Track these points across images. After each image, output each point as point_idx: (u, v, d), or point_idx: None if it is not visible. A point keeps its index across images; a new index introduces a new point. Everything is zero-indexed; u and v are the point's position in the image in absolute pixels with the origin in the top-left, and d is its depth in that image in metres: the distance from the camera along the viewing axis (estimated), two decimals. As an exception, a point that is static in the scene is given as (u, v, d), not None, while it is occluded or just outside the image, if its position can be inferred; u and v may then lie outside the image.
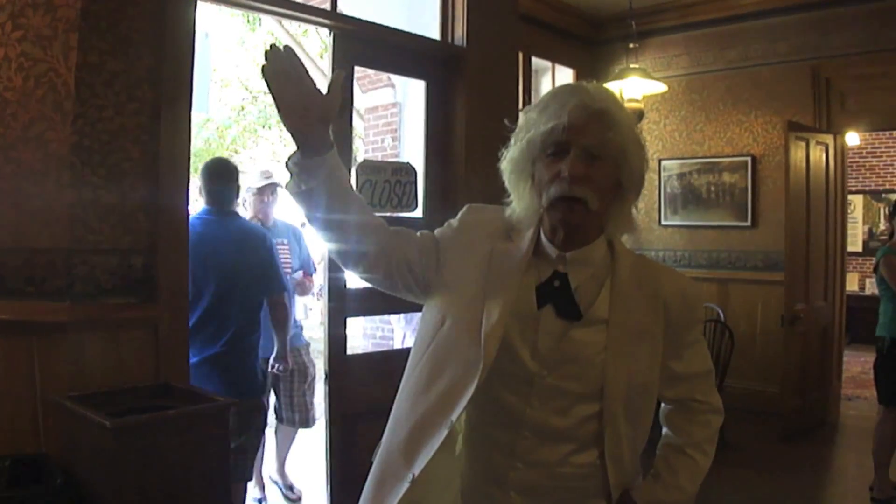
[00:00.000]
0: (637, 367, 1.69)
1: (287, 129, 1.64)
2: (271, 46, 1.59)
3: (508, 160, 1.73)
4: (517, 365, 1.67)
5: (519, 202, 1.73)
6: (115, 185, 3.22)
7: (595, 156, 1.61)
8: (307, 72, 1.59)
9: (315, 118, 1.62)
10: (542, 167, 1.66)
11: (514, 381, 1.68)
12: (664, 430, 1.92)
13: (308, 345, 5.29)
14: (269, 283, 4.18)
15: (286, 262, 5.04)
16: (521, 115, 1.73)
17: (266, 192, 5.00)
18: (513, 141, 1.73)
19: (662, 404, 1.91)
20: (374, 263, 1.77)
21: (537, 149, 1.66)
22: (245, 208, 5.00)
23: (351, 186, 1.79)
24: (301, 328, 5.23)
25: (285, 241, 5.12)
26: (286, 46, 1.59)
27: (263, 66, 1.58)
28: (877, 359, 5.14)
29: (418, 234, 1.85)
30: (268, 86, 1.59)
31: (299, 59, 1.60)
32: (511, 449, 1.70)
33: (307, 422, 5.14)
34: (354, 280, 3.98)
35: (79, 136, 3.11)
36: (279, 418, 5.17)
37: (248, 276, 4.00)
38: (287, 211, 5.75)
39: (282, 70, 1.59)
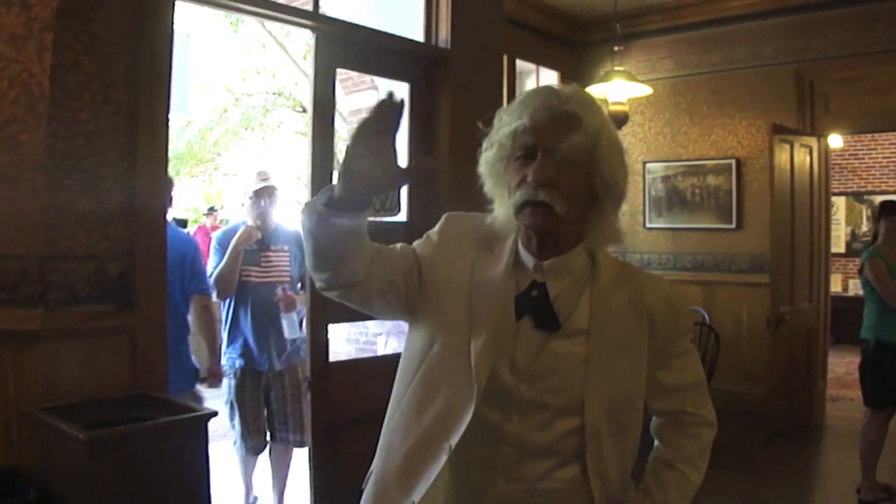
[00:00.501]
0: (620, 380, 1.63)
1: (343, 184, 1.45)
2: (389, 95, 1.40)
3: (484, 163, 1.68)
4: (495, 379, 1.60)
5: (499, 207, 1.67)
6: (91, 189, 3.14)
7: (565, 160, 1.54)
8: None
9: (380, 187, 1.51)
10: (511, 171, 1.61)
11: (492, 396, 1.59)
12: (655, 442, 1.86)
13: (303, 358, 4.73)
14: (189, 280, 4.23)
15: (285, 272, 4.78)
16: (496, 117, 1.67)
17: (263, 195, 4.72)
18: (486, 143, 1.67)
19: (653, 417, 1.85)
20: (364, 289, 1.66)
21: (506, 151, 1.61)
22: (247, 213, 4.77)
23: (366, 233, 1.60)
24: (302, 340, 4.67)
25: (286, 248, 4.79)
26: (402, 100, 1.41)
27: (367, 120, 1.41)
28: (862, 361, 5.12)
29: (398, 249, 1.75)
30: (355, 142, 1.42)
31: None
32: (491, 464, 1.62)
33: (304, 442, 4.60)
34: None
35: (53, 139, 3.03)
36: (273, 438, 4.78)
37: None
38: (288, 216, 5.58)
39: (385, 131, 1.43)
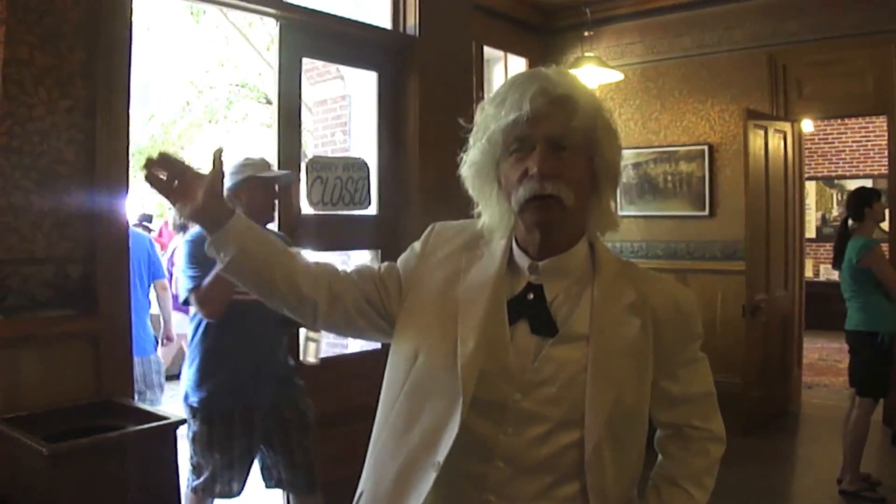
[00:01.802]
0: (623, 388, 1.49)
1: (185, 218, 1.61)
2: (147, 160, 1.56)
3: (469, 165, 1.55)
4: (487, 388, 1.48)
5: (488, 211, 1.56)
6: (49, 189, 3.03)
7: (562, 147, 1.45)
8: (184, 162, 1.58)
9: (207, 197, 1.55)
10: (507, 167, 1.50)
11: (485, 407, 1.47)
12: (659, 457, 1.74)
13: (301, 387, 3.74)
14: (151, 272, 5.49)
15: None
16: (477, 111, 1.56)
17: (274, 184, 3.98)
18: (471, 142, 1.56)
19: (657, 430, 1.73)
20: (329, 311, 1.62)
21: (500, 147, 1.49)
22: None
23: (275, 239, 1.67)
24: (294, 369, 3.78)
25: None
26: (160, 153, 1.59)
27: (145, 175, 1.55)
28: (871, 354, 4.95)
29: (379, 267, 1.69)
30: (153, 187, 1.57)
31: (174, 158, 1.59)
32: (483, 481, 1.49)
33: (312, 484, 3.72)
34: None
35: (8, 137, 2.92)
36: (278, 482, 3.73)
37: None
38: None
39: (160, 172, 1.56)
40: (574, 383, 1.48)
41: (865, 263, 4.86)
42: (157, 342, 5.85)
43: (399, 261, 1.69)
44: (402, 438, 1.54)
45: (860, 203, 5.08)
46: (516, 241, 1.58)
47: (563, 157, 1.45)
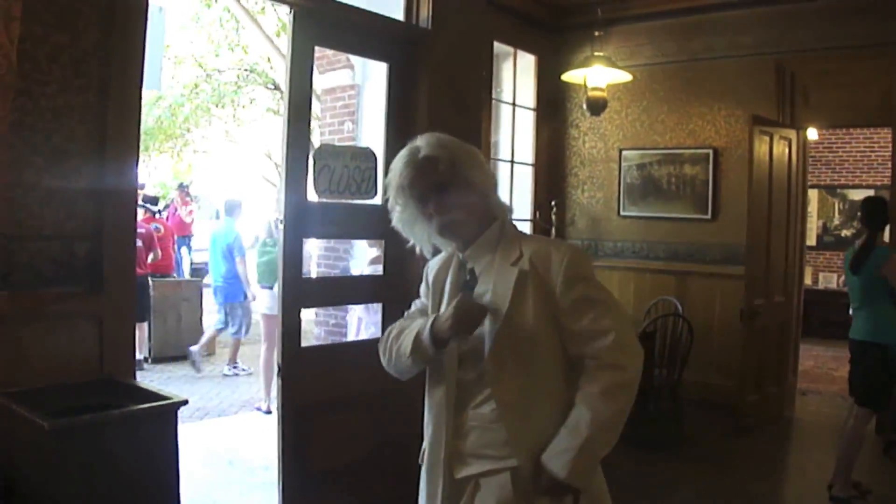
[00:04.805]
0: (510, 318, 2.08)
1: (449, 337, 2.12)
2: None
3: (400, 221, 2.26)
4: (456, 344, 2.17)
5: (424, 239, 2.27)
6: (59, 166, 3.05)
7: (442, 186, 2.13)
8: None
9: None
10: (419, 213, 2.20)
11: (460, 358, 2.18)
12: None
13: None
14: None
15: None
16: (388, 194, 2.24)
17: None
18: (392, 207, 2.25)
19: None
20: None
21: (410, 206, 2.19)
22: None
23: None
24: None
25: None
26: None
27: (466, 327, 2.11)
28: (873, 364, 4.92)
29: (415, 303, 2.42)
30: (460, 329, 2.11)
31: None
32: (460, 402, 2.17)
33: None
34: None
35: (20, 114, 2.94)
36: None
37: None
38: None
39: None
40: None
41: (885, 272, 4.84)
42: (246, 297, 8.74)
43: (420, 294, 2.41)
44: (430, 397, 2.25)
45: (885, 212, 5.03)
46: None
47: (448, 192, 2.14)
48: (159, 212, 10.95)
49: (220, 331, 8.98)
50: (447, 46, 4.73)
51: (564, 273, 2.08)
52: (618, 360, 2.06)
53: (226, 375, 8.74)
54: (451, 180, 2.13)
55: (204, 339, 9.10)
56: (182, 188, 13.56)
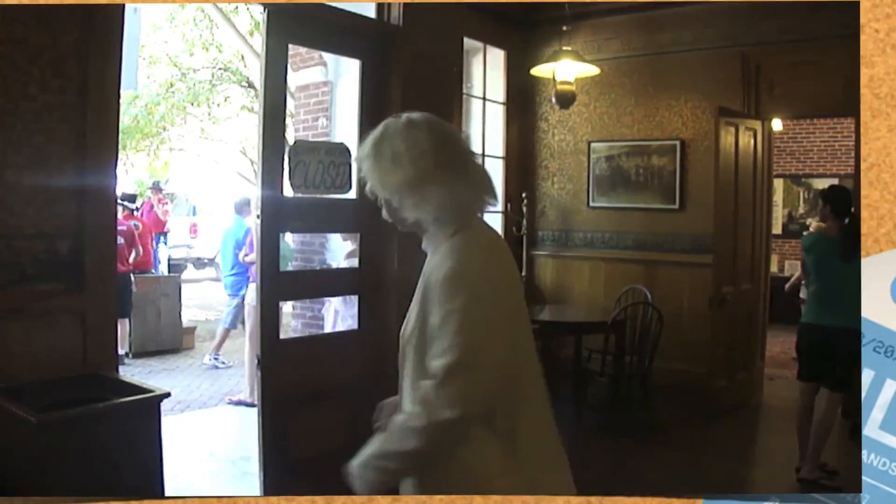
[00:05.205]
0: (411, 317, 2.03)
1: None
2: None
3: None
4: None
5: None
6: (40, 166, 3.10)
7: (378, 197, 2.09)
8: None
9: None
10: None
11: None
12: None
13: None
14: None
15: None
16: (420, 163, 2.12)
17: None
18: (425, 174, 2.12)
19: None
20: None
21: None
22: None
23: None
24: None
25: None
26: None
27: None
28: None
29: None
30: None
31: None
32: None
33: None
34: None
35: (1, 115, 2.98)
36: None
37: None
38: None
39: None
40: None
41: None
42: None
43: None
44: None
45: (850, 201, 5.09)
46: None
47: (385, 200, 2.07)
48: (137, 209, 10.95)
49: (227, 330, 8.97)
50: (419, 43, 4.80)
51: (447, 281, 1.94)
52: (437, 367, 1.89)
53: (205, 367, 8.78)
54: (377, 190, 2.12)
55: (217, 340, 9.07)
56: (156, 186, 13.56)
